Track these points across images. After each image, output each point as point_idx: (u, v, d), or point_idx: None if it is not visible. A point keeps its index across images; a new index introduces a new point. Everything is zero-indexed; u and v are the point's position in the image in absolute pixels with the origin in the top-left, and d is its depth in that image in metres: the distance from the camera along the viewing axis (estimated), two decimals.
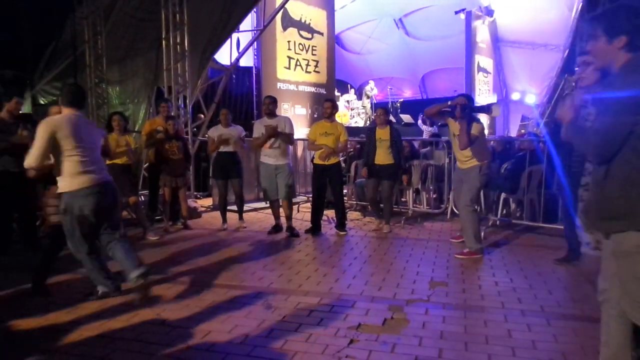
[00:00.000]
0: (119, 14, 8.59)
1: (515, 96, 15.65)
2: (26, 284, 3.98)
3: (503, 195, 6.17)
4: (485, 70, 15.04)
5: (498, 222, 6.16)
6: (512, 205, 6.38)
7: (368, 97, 14.18)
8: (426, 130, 11.88)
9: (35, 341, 2.96)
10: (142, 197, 6.79)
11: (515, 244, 5.35)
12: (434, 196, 7.12)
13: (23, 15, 7.63)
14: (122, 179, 5.55)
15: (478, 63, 14.56)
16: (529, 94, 15.13)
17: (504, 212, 6.29)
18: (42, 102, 9.03)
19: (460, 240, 5.21)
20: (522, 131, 12.99)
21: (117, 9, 8.55)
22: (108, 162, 5.48)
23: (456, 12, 14.13)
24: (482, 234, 5.17)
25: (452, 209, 6.66)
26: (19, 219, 5.15)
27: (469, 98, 4.77)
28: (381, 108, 6.25)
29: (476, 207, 4.83)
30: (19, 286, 3.94)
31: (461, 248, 4.93)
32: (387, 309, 3.41)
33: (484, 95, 14.68)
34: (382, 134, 5.82)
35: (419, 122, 12.53)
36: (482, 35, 14.69)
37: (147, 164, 6.90)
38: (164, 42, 7.53)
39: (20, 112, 5.16)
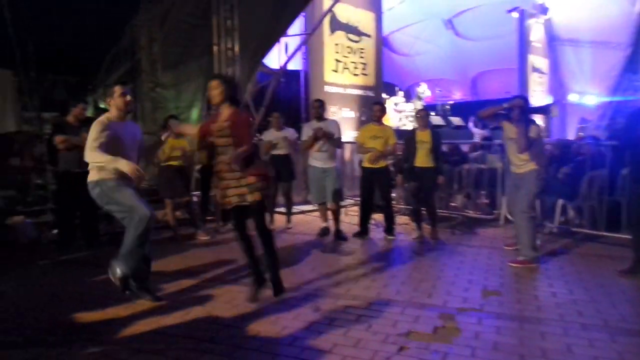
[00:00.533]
0: (173, 20, 8.91)
1: (572, 97, 14.93)
2: (88, 278, 4.19)
3: (560, 201, 5.88)
4: (539, 71, 14.45)
5: (555, 230, 5.88)
6: (571, 212, 6.07)
7: (420, 99, 13.98)
8: (477, 133, 11.55)
9: (95, 334, 3.10)
10: (194, 197, 6.99)
11: (574, 254, 5.08)
12: (486, 201, 6.90)
13: (85, 23, 8.06)
14: (176, 181, 5.75)
15: (532, 63, 14.01)
16: (588, 94, 14.39)
17: (562, 219, 5.99)
18: (102, 107, 9.50)
19: (514, 247, 5.01)
20: (581, 134, 12.39)
21: (172, 16, 8.87)
22: (163, 163, 5.71)
23: (508, 11, 13.66)
24: (538, 242, 4.95)
25: (505, 215, 6.43)
26: (81, 217, 5.43)
27: (525, 100, 4.60)
28: (422, 110, 6.17)
29: (534, 213, 4.63)
30: (81, 281, 4.16)
31: (515, 256, 4.73)
32: (437, 316, 3.33)
33: (538, 96, 14.10)
34: (423, 136, 5.69)
35: (470, 124, 12.21)
36: (537, 34, 14.13)
37: (199, 166, 7.10)
38: (215, 47, 7.72)
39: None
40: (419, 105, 13.75)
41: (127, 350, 2.85)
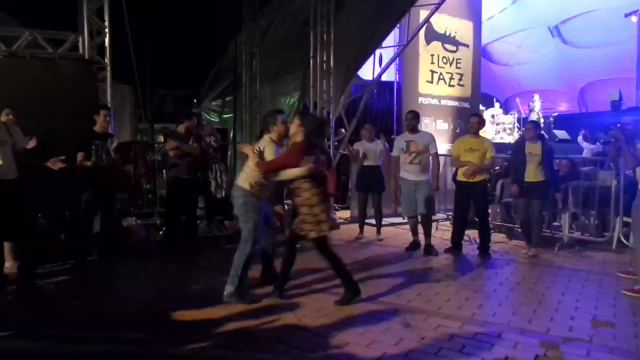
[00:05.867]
0: (272, 36, 9.35)
1: None
2: (189, 278, 4.48)
3: None
4: None
5: None
6: None
7: (533, 110, 13.33)
8: (587, 147, 10.62)
9: (193, 330, 3.30)
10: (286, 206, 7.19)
11: None
12: (596, 222, 6.27)
13: (192, 42, 8.73)
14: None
15: None
16: None
17: None
18: (205, 119, 10.20)
19: (631, 275, 4.49)
20: None
21: (271, 32, 9.32)
22: None
23: (626, 15, 12.46)
24: None
25: (619, 238, 5.80)
26: (185, 220, 5.82)
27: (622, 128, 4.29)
28: (530, 122, 5.89)
29: None
30: (183, 280, 4.45)
31: (631, 284, 4.25)
32: (538, 344, 3.08)
33: None
34: (533, 148, 5.39)
35: (580, 138, 11.25)
36: None
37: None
38: (311, 60, 7.94)
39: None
40: (535, 116, 13.01)
41: (220, 349, 2.99)
